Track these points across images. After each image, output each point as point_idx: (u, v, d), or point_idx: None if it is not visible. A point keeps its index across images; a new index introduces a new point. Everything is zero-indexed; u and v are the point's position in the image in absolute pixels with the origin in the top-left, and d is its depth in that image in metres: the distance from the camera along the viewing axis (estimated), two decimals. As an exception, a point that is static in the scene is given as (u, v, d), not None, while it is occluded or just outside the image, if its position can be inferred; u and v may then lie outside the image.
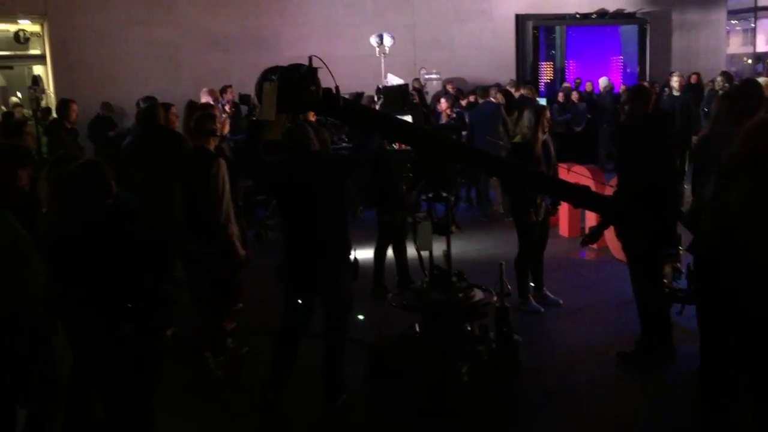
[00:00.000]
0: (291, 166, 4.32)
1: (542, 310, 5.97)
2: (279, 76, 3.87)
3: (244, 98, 11.27)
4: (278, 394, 4.34)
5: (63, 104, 7.70)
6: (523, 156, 5.68)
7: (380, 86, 12.33)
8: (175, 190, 5.57)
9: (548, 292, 6.17)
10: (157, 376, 3.61)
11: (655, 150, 4.65)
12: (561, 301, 6.14)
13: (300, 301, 4.32)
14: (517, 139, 5.95)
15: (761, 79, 7.84)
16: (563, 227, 8.43)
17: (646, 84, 12.07)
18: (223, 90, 11.37)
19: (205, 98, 8.95)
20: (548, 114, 5.95)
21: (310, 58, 3.86)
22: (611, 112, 13.40)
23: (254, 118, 8.49)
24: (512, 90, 11.43)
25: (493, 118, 9.42)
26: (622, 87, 14.70)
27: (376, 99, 11.81)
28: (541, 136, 5.80)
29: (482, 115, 9.65)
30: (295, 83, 3.88)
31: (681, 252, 4.93)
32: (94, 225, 3.36)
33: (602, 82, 14.50)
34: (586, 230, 8.12)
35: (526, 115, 5.83)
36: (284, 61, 4.32)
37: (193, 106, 6.48)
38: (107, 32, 13.44)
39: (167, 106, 6.41)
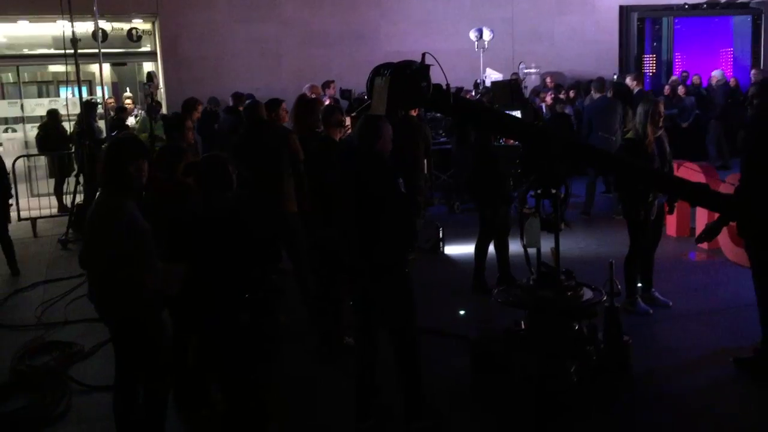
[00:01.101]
0: (346, 161, 4.14)
1: (651, 311, 5.78)
2: (391, 71, 3.91)
3: (345, 93, 11.53)
4: (370, 420, 4.15)
5: (191, 103, 8.04)
6: (634, 152, 5.49)
7: (478, 81, 12.27)
8: (286, 184, 5.72)
9: (657, 293, 5.96)
10: (272, 360, 3.75)
11: None
12: (671, 303, 5.92)
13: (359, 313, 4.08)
14: (630, 135, 5.76)
15: None
16: (671, 227, 8.11)
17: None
18: (326, 85, 11.57)
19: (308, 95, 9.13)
20: (661, 108, 5.74)
21: (423, 55, 3.87)
22: (722, 107, 12.80)
23: (353, 114, 8.65)
24: (632, 83, 11.06)
25: (610, 112, 9.21)
26: (733, 80, 14.02)
27: (473, 94, 11.76)
28: (653, 132, 5.60)
29: (598, 109, 9.41)
30: (407, 79, 3.90)
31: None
32: (217, 217, 3.50)
33: (715, 74, 13.80)
34: (696, 230, 7.81)
35: (639, 110, 5.66)
36: (382, 57, 4.36)
37: (303, 101, 6.61)
38: (212, 29, 13.93)
39: (278, 102, 6.56)
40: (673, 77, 14.23)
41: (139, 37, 14.22)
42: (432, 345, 5.16)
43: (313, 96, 8.80)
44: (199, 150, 7.94)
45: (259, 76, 13.64)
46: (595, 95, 9.82)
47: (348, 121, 8.55)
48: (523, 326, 4.63)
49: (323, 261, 5.15)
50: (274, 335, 3.67)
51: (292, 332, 5.39)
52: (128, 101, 13.46)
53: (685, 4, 15.24)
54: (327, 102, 10.33)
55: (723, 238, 7.11)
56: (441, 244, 8.02)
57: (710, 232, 4.89)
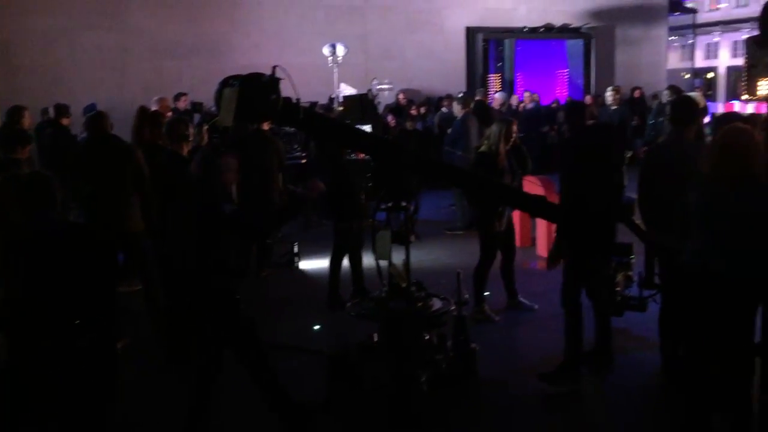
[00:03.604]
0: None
1: (497, 318, 6.05)
2: (240, 83, 3.85)
3: (196, 106, 11.21)
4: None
5: (16, 111, 7.47)
6: (487, 165, 5.79)
7: (332, 96, 12.37)
8: (130, 201, 5.47)
9: (522, 299, 6.29)
10: (111, 390, 3.53)
11: (595, 162, 4.72)
12: (536, 306, 6.23)
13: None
14: (483, 148, 6.07)
15: (692, 95, 8.16)
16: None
17: (588, 98, 12.39)
18: (177, 98, 11.20)
19: (154, 108, 8.75)
20: (514, 128, 6.06)
21: (274, 68, 3.84)
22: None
23: (206, 126, 8.43)
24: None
25: (470, 129, 9.53)
26: (569, 99, 15.02)
27: (328, 109, 11.85)
28: (504, 147, 5.92)
29: (461, 125, 9.65)
30: (256, 91, 3.86)
31: (632, 260, 5.05)
32: (41, 238, 3.28)
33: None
34: (537, 239, 8.30)
35: (494, 126, 5.99)
36: (236, 69, 4.29)
37: (143, 113, 6.35)
38: (51, 36, 13.14)
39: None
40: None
41: (-33, 42, 13.10)
42: (287, 361, 5.10)
43: (158, 109, 8.46)
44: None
45: (104, 86, 12.99)
46: (461, 112, 9.82)
47: (204, 130, 8.30)
48: (375, 338, 4.69)
49: (172, 278, 4.96)
50: (112, 361, 3.45)
51: (139, 352, 5.15)
52: None
53: (525, 27, 16.24)
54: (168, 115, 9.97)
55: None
56: (296, 259, 7.98)
57: (557, 252, 5.13)
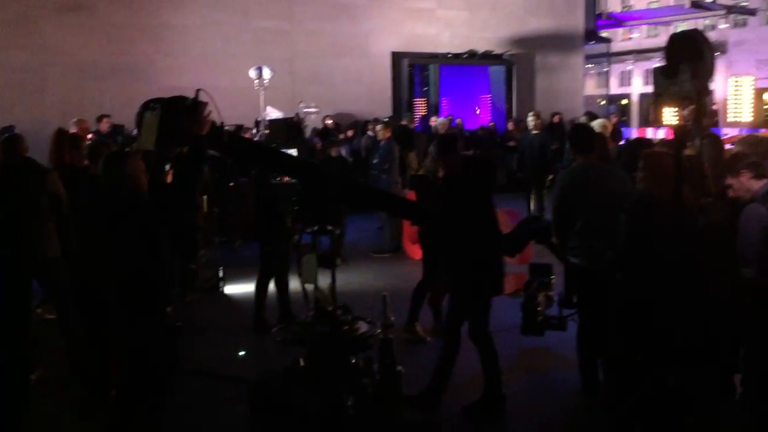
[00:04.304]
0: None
1: (428, 339, 6.10)
2: (162, 106, 3.80)
3: (117, 128, 10.95)
4: None
5: None
6: (424, 188, 5.87)
7: (258, 119, 12.30)
8: (45, 227, 5.28)
9: None
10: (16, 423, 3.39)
11: (472, 198, 4.73)
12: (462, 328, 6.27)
13: None
14: (422, 171, 6.15)
15: (598, 121, 8.52)
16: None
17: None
18: (99, 119, 10.92)
19: (73, 130, 8.50)
20: None
21: (197, 92, 3.80)
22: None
23: (127, 149, 8.24)
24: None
25: (395, 153, 9.61)
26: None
27: (254, 132, 11.79)
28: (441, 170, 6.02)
29: (387, 150, 9.70)
30: (179, 115, 3.81)
31: (553, 280, 5.22)
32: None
33: (441, 121, 14.71)
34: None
35: (431, 148, 6.08)
36: (160, 91, 4.22)
37: (62, 135, 6.15)
38: (-37, 55, 12.60)
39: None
40: (441, 119, 15.28)
41: None
42: (210, 389, 5.01)
43: (77, 131, 8.23)
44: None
45: (20, 107, 12.54)
46: (384, 136, 9.88)
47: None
48: (302, 363, 4.66)
49: (92, 305, 4.81)
50: (20, 397, 3.29)
51: (56, 382, 4.95)
52: None
53: (449, 53, 16.61)
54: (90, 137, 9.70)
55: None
56: (221, 283, 7.86)
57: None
